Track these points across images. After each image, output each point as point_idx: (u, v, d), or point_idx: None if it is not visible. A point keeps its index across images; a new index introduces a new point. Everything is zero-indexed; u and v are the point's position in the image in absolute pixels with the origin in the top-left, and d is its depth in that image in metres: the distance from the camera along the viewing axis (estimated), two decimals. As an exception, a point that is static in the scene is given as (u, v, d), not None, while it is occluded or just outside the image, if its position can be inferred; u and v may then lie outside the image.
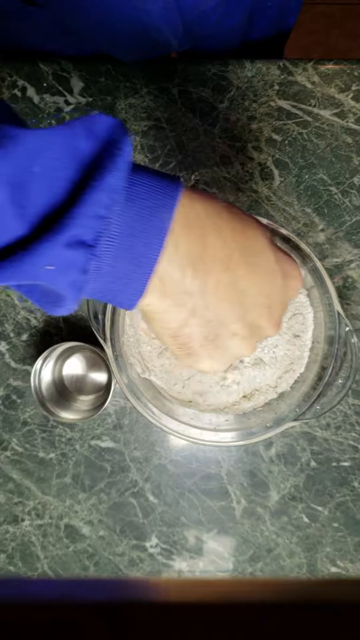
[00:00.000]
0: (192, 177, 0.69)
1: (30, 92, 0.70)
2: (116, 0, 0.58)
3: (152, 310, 0.35)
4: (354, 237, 0.68)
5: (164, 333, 0.38)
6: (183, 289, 0.34)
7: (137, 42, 0.67)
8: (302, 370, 0.61)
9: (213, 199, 0.36)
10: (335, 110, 0.69)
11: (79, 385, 0.69)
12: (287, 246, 0.59)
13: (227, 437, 0.59)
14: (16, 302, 0.68)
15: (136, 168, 0.32)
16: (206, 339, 0.37)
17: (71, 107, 0.70)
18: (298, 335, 0.62)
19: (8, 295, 0.68)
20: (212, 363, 0.39)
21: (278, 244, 0.42)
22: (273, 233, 0.58)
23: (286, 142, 0.69)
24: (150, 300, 0.34)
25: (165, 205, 0.32)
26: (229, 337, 0.38)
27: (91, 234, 0.30)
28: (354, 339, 0.56)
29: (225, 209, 0.36)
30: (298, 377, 0.61)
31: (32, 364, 0.67)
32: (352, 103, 0.69)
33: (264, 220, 0.57)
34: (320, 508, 0.66)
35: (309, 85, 0.70)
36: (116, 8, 0.60)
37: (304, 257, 0.58)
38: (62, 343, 0.62)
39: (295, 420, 0.57)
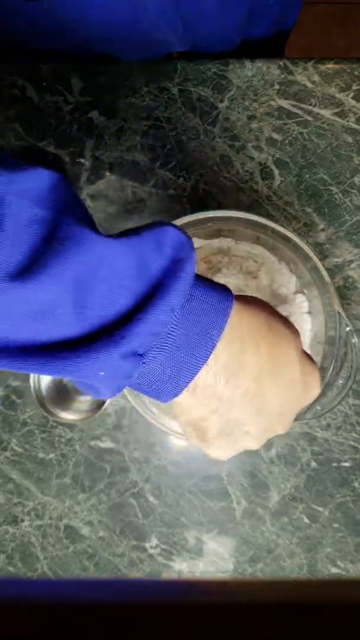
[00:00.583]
0: (192, 176, 0.69)
1: (30, 91, 0.70)
2: None
3: (179, 401, 0.37)
4: (354, 237, 0.68)
5: (182, 419, 0.40)
6: (213, 394, 0.36)
7: (136, 41, 0.67)
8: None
9: (258, 310, 0.38)
10: (336, 110, 0.69)
11: (78, 386, 0.69)
12: (287, 246, 0.58)
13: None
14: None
15: (193, 281, 0.34)
16: (220, 434, 0.39)
17: (71, 106, 0.70)
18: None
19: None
20: (220, 453, 0.41)
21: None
22: (273, 233, 0.58)
23: (286, 141, 0.69)
24: (181, 397, 0.36)
25: (217, 323, 0.34)
26: (241, 435, 0.40)
27: (145, 347, 0.32)
28: (355, 339, 0.56)
29: (266, 324, 0.38)
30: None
31: (31, 364, 0.67)
32: (353, 102, 0.69)
33: (264, 221, 0.57)
34: (320, 509, 0.66)
35: (309, 85, 0.69)
36: (114, 6, 0.60)
37: (305, 257, 0.58)
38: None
39: (295, 420, 0.57)
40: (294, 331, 0.41)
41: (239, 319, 0.36)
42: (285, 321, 0.41)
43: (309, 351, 0.61)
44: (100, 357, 0.30)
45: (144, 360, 0.32)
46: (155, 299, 0.31)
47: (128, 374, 0.32)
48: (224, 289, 0.36)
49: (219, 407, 0.37)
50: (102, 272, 0.30)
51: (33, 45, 0.70)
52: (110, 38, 0.67)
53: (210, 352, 0.34)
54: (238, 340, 0.35)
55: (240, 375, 0.36)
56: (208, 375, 0.35)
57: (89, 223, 0.32)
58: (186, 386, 0.34)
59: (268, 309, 0.40)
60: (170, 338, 0.32)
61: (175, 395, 0.35)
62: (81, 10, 0.62)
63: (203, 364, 0.34)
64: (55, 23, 0.64)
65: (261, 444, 0.41)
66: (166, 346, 0.32)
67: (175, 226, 0.32)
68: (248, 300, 0.38)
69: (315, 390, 0.43)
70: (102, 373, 0.31)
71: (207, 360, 0.34)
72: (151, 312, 0.30)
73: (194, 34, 0.69)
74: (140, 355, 0.32)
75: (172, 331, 0.32)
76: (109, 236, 0.30)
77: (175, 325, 0.32)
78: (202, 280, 0.35)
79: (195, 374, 0.34)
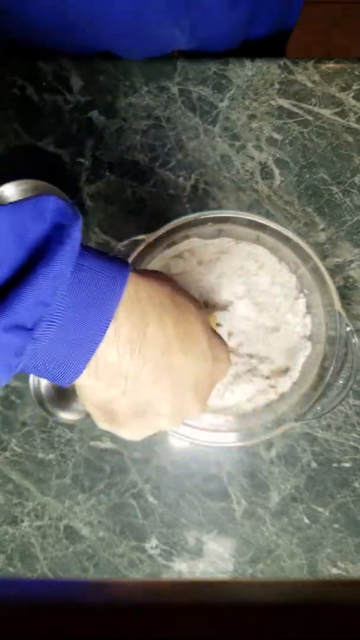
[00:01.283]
0: (192, 176, 0.69)
1: (30, 91, 0.70)
2: None
3: (82, 385, 0.35)
4: (355, 236, 0.68)
5: (88, 404, 0.38)
6: (118, 372, 0.34)
7: (141, 38, 0.67)
8: (301, 370, 0.61)
9: (158, 283, 0.36)
10: (336, 110, 0.69)
11: (78, 386, 0.69)
12: (287, 246, 0.58)
13: (228, 438, 0.59)
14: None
15: (84, 251, 0.32)
16: (132, 414, 0.37)
17: (71, 106, 0.70)
18: (297, 335, 0.62)
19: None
20: (132, 434, 0.39)
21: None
22: (273, 233, 0.58)
23: (287, 141, 0.69)
24: (83, 377, 0.34)
25: (111, 293, 0.32)
26: (153, 414, 0.38)
27: (33, 318, 0.29)
28: (355, 340, 0.56)
29: (169, 297, 0.36)
30: (298, 377, 0.61)
31: (31, 364, 0.67)
32: (353, 102, 0.69)
33: (264, 220, 0.57)
34: (321, 509, 0.66)
35: (309, 84, 0.69)
36: (120, 2, 0.60)
37: (305, 257, 0.58)
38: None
39: (295, 421, 0.57)
40: (198, 306, 0.40)
41: (137, 290, 0.34)
42: (190, 296, 0.39)
43: (308, 351, 0.61)
44: None
45: (34, 334, 0.29)
46: (37, 266, 0.29)
47: (17, 350, 0.29)
48: (119, 261, 0.34)
49: (126, 386, 0.35)
50: None
51: (34, 42, 0.70)
52: (115, 37, 0.67)
53: (108, 324, 0.31)
54: (139, 312, 0.34)
55: (145, 348, 0.34)
56: (109, 350, 0.33)
57: None
58: (86, 364, 0.32)
59: (171, 283, 0.38)
60: (59, 310, 0.30)
61: (76, 375, 0.33)
62: (86, 7, 0.61)
63: (101, 337, 0.32)
64: (59, 20, 0.64)
65: (176, 424, 0.40)
66: (56, 318, 0.30)
67: (56, 196, 0.30)
68: (148, 274, 0.37)
69: (225, 364, 0.42)
70: None
71: (105, 332, 0.32)
72: (33, 280, 0.28)
73: (197, 33, 0.68)
74: (29, 329, 0.29)
75: (61, 302, 0.30)
76: None
77: (64, 296, 0.30)
78: (93, 252, 0.33)
79: (94, 349, 0.32)
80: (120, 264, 0.33)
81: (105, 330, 0.32)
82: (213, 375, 0.41)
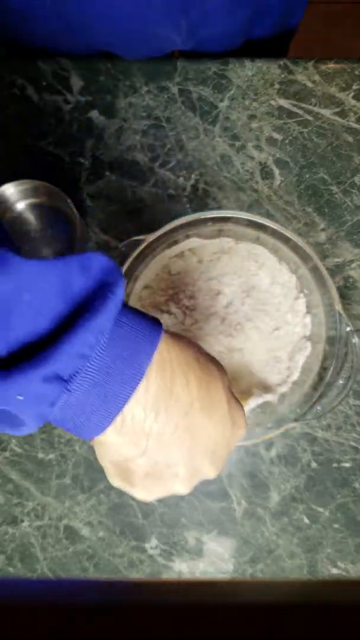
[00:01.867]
0: (192, 176, 0.69)
1: (30, 91, 0.70)
2: None
3: (105, 440, 0.35)
4: (355, 236, 0.68)
5: (106, 460, 0.38)
6: (142, 430, 0.34)
7: (140, 39, 0.67)
8: (301, 370, 0.61)
9: (187, 345, 0.37)
10: (336, 109, 0.69)
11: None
12: (287, 246, 0.58)
13: (228, 438, 0.58)
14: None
15: (123, 308, 0.33)
16: (148, 475, 0.37)
17: (71, 106, 0.70)
18: (297, 335, 0.62)
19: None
20: (146, 495, 0.39)
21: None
22: (273, 233, 0.58)
23: (287, 141, 0.69)
24: (107, 433, 0.34)
25: (146, 350, 0.33)
26: (170, 478, 0.38)
27: (70, 370, 0.30)
28: (355, 339, 0.56)
29: (195, 359, 0.37)
30: (298, 377, 0.61)
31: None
32: (353, 102, 0.69)
33: (264, 220, 0.57)
34: (321, 509, 0.66)
35: (309, 84, 0.69)
36: (120, 4, 0.60)
37: (305, 257, 0.58)
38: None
39: (295, 420, 0.57)
40: (221, 369, 0.40)
41: (168, 350, 0.35)
42: (213, 359, 0.40)
43: (308, 351, 0.61)
44: (21, 378, 0.28)
45: (69, 386, 0.30)
46: (80, 319, 0.30)
47: (51, 401, 0.30)
48: (152, 320, 0.35)
49: (147, 445, 0.35)
50: (23, 295, 0.29)
51: (36, 43, 0.70)
52: (115, 36, 0.67)
53: (140, 379, 0.32)
54: (169, 372, 0.34)
55: (171, 408, 0.35)
56: (137, 407, 0.33)
57: (10, 245, 0.31)
58: (113, 419, 0.33)
59: (197, 346, 0.39)
60: (96, 363, 0.31)
61: (101, 429, 0.33)
62: (86, 9, 0.61)
63: (132, 392, 0.32)
64: (59, 19, 0.64)
65: (190, 489, 0.40)
66: (92, 371, 0.31)
67: (103, 253, 0.31)
68: (176, 335, 0.37)
69: (241, 430, 0.43)
70: (21, 397, 0.29)
71: (136, 388, 0.32)
72: (75, 332, 0.29)
73: (198, 33, 0.69)
74: (65, 380, 0.30)
75: (99, 356, 0.31)
76: (31, 259, 0.30)
77: (102, 350, 0.31)
78: (131, 309, 0.34)
79: (124, 403, 0.32)
80: (155, 323, 0.34)
81: (136, 386, 0.32)
82: (230, 440, 0.41)
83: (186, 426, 0.36)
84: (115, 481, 0.39)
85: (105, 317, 0.30)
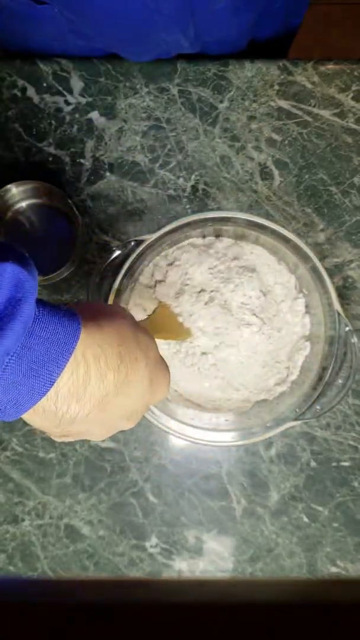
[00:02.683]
0: (192, 177, 0.69)
1: (30, 92, 0.70)
2: (127, 0, 0.58)
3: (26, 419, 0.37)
4: (354, 237, 0.68)
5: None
6: (54, 417, 0.36)
7: (147, 43, 0.67)
8: (300, 370, 0.61)
9: (109, 335, 0.38)
10: (335, 110, 0.69)
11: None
12: (287, 246, 0.59)
13: (227, 437, 0.59)
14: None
15: (37, 314, 0.33)
16: (64, 435, 0.40)
17: (71, 107, 0.70)
18: (297, 335, 0.62)
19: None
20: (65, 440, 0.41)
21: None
22: (273, 233, 0.58)
23: (286, 142, 0.69)
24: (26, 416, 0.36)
25: (58, 361, 0.34)
26: (85, 435, 0.41)
27: None
28: (354, 339, 0.56)
29: (117, 355, 0.38)
30: (297, 377, 0.61)
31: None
32: (352, 103, 0.69)
33: (264, 221, 0.57)
34: (320, 508, 0.66)
35: (309, 85, 0.70)
36: (127, 7, 0.60)
37: (304, 257, 0.58)
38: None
39: (295, 420, 0.57)
40: (148, 343, 0.42)
41: (84, 352, 0.35)
42: (140, 334, 0.41)
43: (307, 351, 0.61)
44: None
45: None
46: None
47: None
48: (71, 319, 0.35)
49: (60, 424, 0.37)
50: None
51: (41, 46, 0.70)
52: (121, 39, 0.67)
53: (49, 389, 0.33)
54: (82, 371, 0.35)
55: (82, 402, 0.36)
56: (49, 403, 0.35)
57: None
58: (25, 411, 0.34)
59: (126, 325, 0.40)
60: (6, 373, 0.32)
61: (15, 418, 0.35)
62: (92, 14, 0.61)
63: (40, 398, 0.34)
64: (65, 26, 0.64)
65: (105, 437, 0.42)
66: (2, 381, 0.32)
67: (15, 261, 0.31)
68: (100, 324, 0.38)
69: (162, 392, 0.44)
70: None
71: (45, 394, 0.34)
72: None
73: (204, 37, 0.68)
74: None
75: (8, 367, 0.32)
76: None
77: (13, 361, 0.32)
78: (46, 312, 0.34)
79: (34, 404, 0.34)
80: (71, 325, 0.35)
81: (45, 393, 0.34)
82: (148, 402, 0.43)
83: (100, 409, 0.37)
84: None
85: (12, 339, 0.31)
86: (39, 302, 0.34)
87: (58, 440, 0.41)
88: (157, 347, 0.44)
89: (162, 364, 0.44)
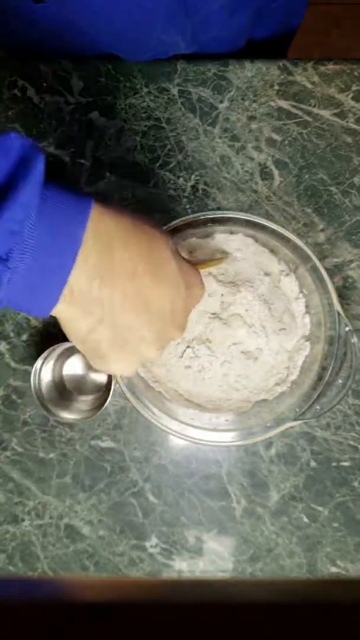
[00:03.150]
0: (192, 177, 0.69)
1: (30, 92, 0.70)
2: (123, 0, 0.58)
3: (62, 317, 0.37)
4: (354, 237, 0.68)
5: (73, 338, 0.39)
6: (91, 299, 0.35)
7: (144, 43, 0.67)
8: (300, 370, 0.61)
9: (122, 213, 0.37)
10: (335, 110, 0.69)
11: (78, 386, 0.69)
12: (286, 246, 0.59)
13: (227, 437, 0.59)
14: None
15: (49, 184, 0.33)
16: (114, 344, 0.39)
17: (71, 107, 0.70)
18: (297, 335, 0.62)
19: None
20: (121, 366, 0.41)
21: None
22: (273, 233, 0.58)
23: (286, 142, 0.69)
24: (60, 308, 0.35)
25: (77, 220, 0.33)
26: (137, 342, 0.40)
27: (4, 249, 0.31)
28: (354, 339, 0.56)
29: (133, 224, 0.37)
30: (297, 377, 0.61)
31: (32, 364, 0.67)
32: (352, 103, 0.69)
33: (264, 221, 0.57)
34: (320, 508, 0.66)
35: (309, 85, 0.70)
36: (123, 7, 0.60)
37: (304, 257, 0.58)
38: (62, 343, 0.62)
39: (295, 420, 0.57)
40: (163, 232, 0.41)
41: (102, 218, 0.35)
42: (155, 224, 0.41)
43: (307, 351, 0.61)
44: None
45: (9, 264, 0.31)
46: (3, 198, 0.30)
47: None
48: (81, 193, 0.35)
49: (102, 313, 0.36)
50: None
51: (39, 45, 0.70)
52: (118, 39, 0.67)
53: (77, 249, 0.33)
54: (105, 239, 0.35)
55: (114, 274, 0.35)
56: (82, 279, 0.34)
57: None
58: (60, 292, 0.34)
59: (132, 213, 0.39)
60: (30, 239, 0.31)
61: (52, 304, 0.34)
62: (89, 14, 0.61)
63: (71, 265, 0.33)
64: (63, 25, 0.64)
65: (161, 349, 0.42)
66: (27, 247, 0.31)
67: (19, 133, 0.32)
68: (109, 204, 0.37)
69: (197, 288, 0.44)
70: None
71: (74, 259, 0.33)
72: (1, 210, 0.30)
73: (200, 36, 0.69)
74: (4, 260, 0.31)
75: (32, 232, 0.31)
76: None
77: (33, 225, 0.31)
78: (58, 185, 0.34)
79: (66, 277, 0.33)
80: (84, 195, 0.34)
81: (74, 257, 0.33)
82: (187, 300, 0.42)
83: (135, 289, 0.37)
84: (93, 362, 0.41)
85: (30, 191, 0.31)
86: (48, 179, 0.33)
87: (120, 370, 0.41)
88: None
89: (184, 259, 0.43)
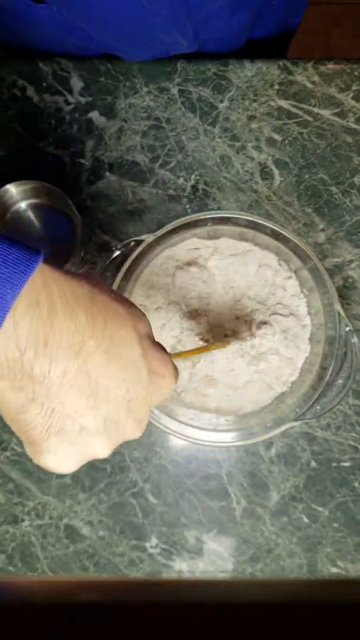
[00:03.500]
0: (192, 177, 0.69)
1: (30, 91, 0.70)
2: (124, 1, 0.58)
3: None
4: (354, 237, 0.68)
5: (4, 415, 0.33)
6: (22, 371, 0.30)
7: (145, 44, 0.67)
8: (301, 370, 0.61)
9: (77, 280, 0.32)
10: (336, 110, 0.69)
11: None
12: (287, 246, 0.59)
13: (227, 437, 0.59)
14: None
15: None
16: (48, 431, 0.32)
17: (71, 106, 0.70)
18: (297, 336, 0.62)
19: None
20: (58, 461, 0.33)
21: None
22: (273, 233, 0.58)
23: (286, 141, 0.69)
24: None
25: (11, 281, 0.28)
26: (77, 432, 0.33)
27: None
28: (354, 339, 0.56)
29: (88, 296, 0.32)
30: (298, 377, 0.61)
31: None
32: (352, 103, 0.69)
33: (264, 221, 0.57)
34: (320, 508, 0.66)
35: (309, 85, 0.70)
36: (124, 8, 0.60)
37: (304, 257, 0.58)
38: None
39: (295, 420, 0.57)
40: (136, 313, 0.36)
41: (46, 282, 0.30)
42: (124, 301, 0.35)
43: (307, 351, 0.61)
44: None
45: None
46: None
47: None
48: (31, 250, 0.29)
49: (34, 392, 0.30)
50: None
51: (40, 45, 0.70)
52: (119, 39, 0.67)
53: (5, 314, 0.28)
54: (46, 304, 0.29)
55: (52, 347, 0.30)
56: (9, 343, 0.28)
57: None
58: None
59: (95, 282, 0.34)
60: None
61: None
62: (90, 14, 0.61)
63: None
64: (63, 26, 0.64)
65: (109, 449, 0.35)
66: None
67: None
68: (67, 271, 0.32)
69: (165, 379, 0.38)
70: None
71: (2, 321, 0.28)
72: None
73: (201, 36, 0.69)
74: None
75: None
76: None
77: None
78: (7, 237, 0.29)
79: None
80: (31, 253, 0.29)
81: (3, 318, 0.28)
82: (150, 391, 0.36)
83: (79, 367, 0.31)
84: (27, 450, 0.34)
85: None
86: None
87: (55, 466, 0.33)
88: (151, 329, 0.37)
89: (157, 344, 0.38)
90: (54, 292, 0.30)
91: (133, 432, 0.36)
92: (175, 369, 0.39)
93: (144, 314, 0.37)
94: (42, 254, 0.30)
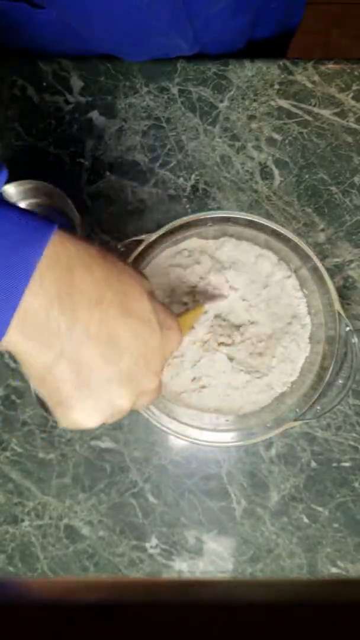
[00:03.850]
0: (192, 176, 0.69)
1: (30, 91, 0.70)
2: (123, 4, 0.58)
3: (18, 351, 0.32)
4: (354, 237, 0.68)
5: (32, 377, 0.34)
6: (49, 328, 0.31)
7: (146, 46, 0.67)
8: (301, 370, 0.61)
9: (88, 244, 0.34)
10: (336, 110, 0.69)
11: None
12: (287, 246, 0.59)
13: (227, 438, 0.59)
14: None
15: (7, 205, 0.31)
16: (77, 385, 0.34)
17: (71, 106, 0.70)
18: (297, 335, 0.62)
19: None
20: (85, 416, 0.35)
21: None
22: (273, 233, 0.58)
23: (286, 141, 0.69)
24: (15, 339, 0.31)
25: (34, 241, 0.30)
26: (103, 384, 0.35)
27: None
28: (355, 339, 0.56)
29: (100, 255, 0.34)
30: (298, 377, 0.61)
31: (31, 364, 0.67)
32: (353, 102, 0.69)
33: (264, 221, 0.57)
34: (320, 508, 0.66)
35: (309, 85, 0.69)
36: (124, 12, 0.60)
37: (304, 257, 0.58)
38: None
39: (295, 420, 0.57)
40: (140, 273, 0.38)
41: (63, 242, 0.32)
42: (127, 262, 0.37)
43: (307, 351, 0.61)
44: None
45: None
46: None
47: None
48: (46, 219, 0.32)
49: (62, 346, 0.32)
50: None
51: (39, 48, 0.70)
52: (119, 42, 0.67)
53: (31, 271, 0.30)
54: (65, 261, 0.31)
55: (74, 299, 0.32)
56: (35, 302, 0.30)
57: None
58: (10, 316, 0.30)
59: (105, 251, 0.36)
60: None
61: (2, 331, 0.30)
62: (90, 18, 0.61)
63: (24, 286, 0.29)
64: (63, 30, 0.64)
65: (130, 400, 0.37)
66: None
67: None
68: (78, 236, 0.34)
69: (174, 333, 0.40)
70: None
71: (28, 280, 0.29)
72: None
73: (202, 39, 0.69)
74: None
75: None
76: None
77: None
78: (18, 208, 0.32)
79: (18, 299, 0.30)
80: (47, 220, 0.32)
81: (28, 277, 0.30)
82: (163, 344, 0.38)
83: (101, 318, 0.33)
84: (52, 408, 0.35)
85: None
86: (8, 203, 0.31)
87: (84, 421, 0.35)
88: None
89: (168, 310, 0.40)
90: (71, 251, 0.32)
91: (150, 382, 0.38)
92: (178, 323, 0.42)
93: (144, 275, 0.39)
94: (56, 222, 0.32)
